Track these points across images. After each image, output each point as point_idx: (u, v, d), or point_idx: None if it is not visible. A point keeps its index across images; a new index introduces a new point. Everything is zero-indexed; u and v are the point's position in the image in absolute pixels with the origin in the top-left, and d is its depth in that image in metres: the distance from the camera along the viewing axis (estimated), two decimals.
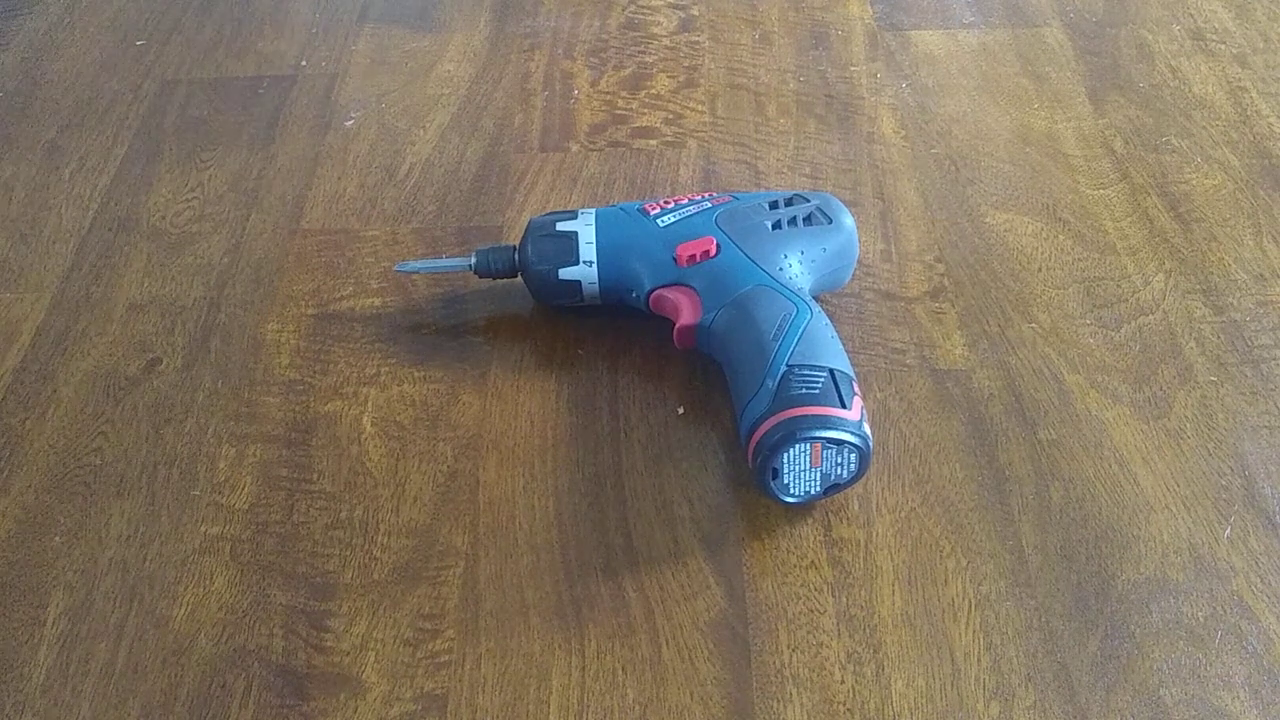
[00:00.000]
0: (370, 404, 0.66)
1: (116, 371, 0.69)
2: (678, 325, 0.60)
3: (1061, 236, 0.75)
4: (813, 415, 0.51)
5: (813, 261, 0.62)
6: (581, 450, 0.62)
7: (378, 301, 0.72)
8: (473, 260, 0.63)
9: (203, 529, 0.60)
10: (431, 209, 0.79)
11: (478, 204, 0.79)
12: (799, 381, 0.53)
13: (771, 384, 0.52)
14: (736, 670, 0.53)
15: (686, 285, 0.60)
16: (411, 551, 0.58)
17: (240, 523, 0.60)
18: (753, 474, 0.55)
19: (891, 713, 0.51)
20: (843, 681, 0.52)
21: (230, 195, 0.82)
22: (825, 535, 0.58)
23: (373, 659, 0.54)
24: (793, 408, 0.52)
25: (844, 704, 0.51)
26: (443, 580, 0.57)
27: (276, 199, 0.81)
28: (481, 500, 0.60)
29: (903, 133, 0.85)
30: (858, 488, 0.59)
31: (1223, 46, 0.92)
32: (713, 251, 0.59)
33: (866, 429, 0.53)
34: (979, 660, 0.52)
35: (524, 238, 0.64)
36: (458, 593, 0.56)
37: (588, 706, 0.51)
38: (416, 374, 0.67)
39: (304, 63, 0.95)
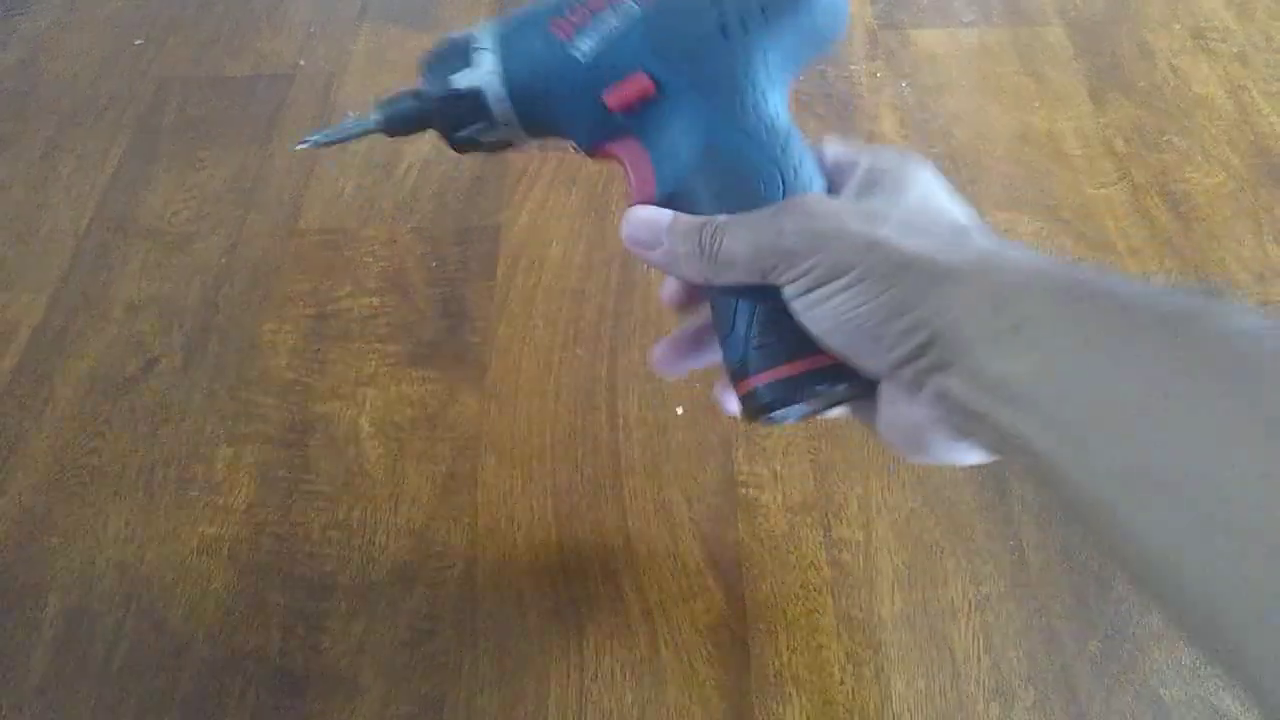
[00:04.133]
0: (368, 404, 0.66)
1: (114, 372, 0.68)
2: (629, 205, 0.43)
3: (1062, 236, 0.75)
4: (808, 373, 0.37)
5: (785, 64, 0.43)
6: (581, 450, 0.62)
7: (376, 301, 0.72)
8: (376, 116, 0.46)
9: (200, 529, 0.60)
10: (430, 208, 0.79)
11: (476, 203, 0.79)
12: (766, 330, 0.38)
13: (744, 324, 0.38)
14: (736, 671, 0.52)
15: (630, 136, 0.43)
16: (409, 552, 0.58)
17: (238, 523, 0.60)
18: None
19: (891, 714, 0.51)
20: (842, 683, 0.52)
21: (228, 195, 0.81)
22: (825, 536, 0.57)
23: (370, 660, 0.54)
24: (780, 364, 0.38)
25: (844, 705, 0.51)
26: (441, 581, 0.57)
27: (274, 198, 0.81)
28: (480, 500, 0.60)
29: (903, 132, 0.84)
30: (857, 488, 0.59)
31: (1223, 45, 0.92)
32: (650, 92, 0.41)
33: (843, 388, 0.39)
34: (979, 661, 0.52)
35: (421, 61, 0.45)
36: (456, 593, 0.56)
37: (586, 707, 0.51)
38: (414, 374, 0.67)
39: (302, 62, 0.95)
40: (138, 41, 0.98)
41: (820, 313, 0.32)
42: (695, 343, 0.41)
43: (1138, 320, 0.27)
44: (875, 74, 0.91)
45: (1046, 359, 0.28)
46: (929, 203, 0.34)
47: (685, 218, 0.36)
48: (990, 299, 0.29)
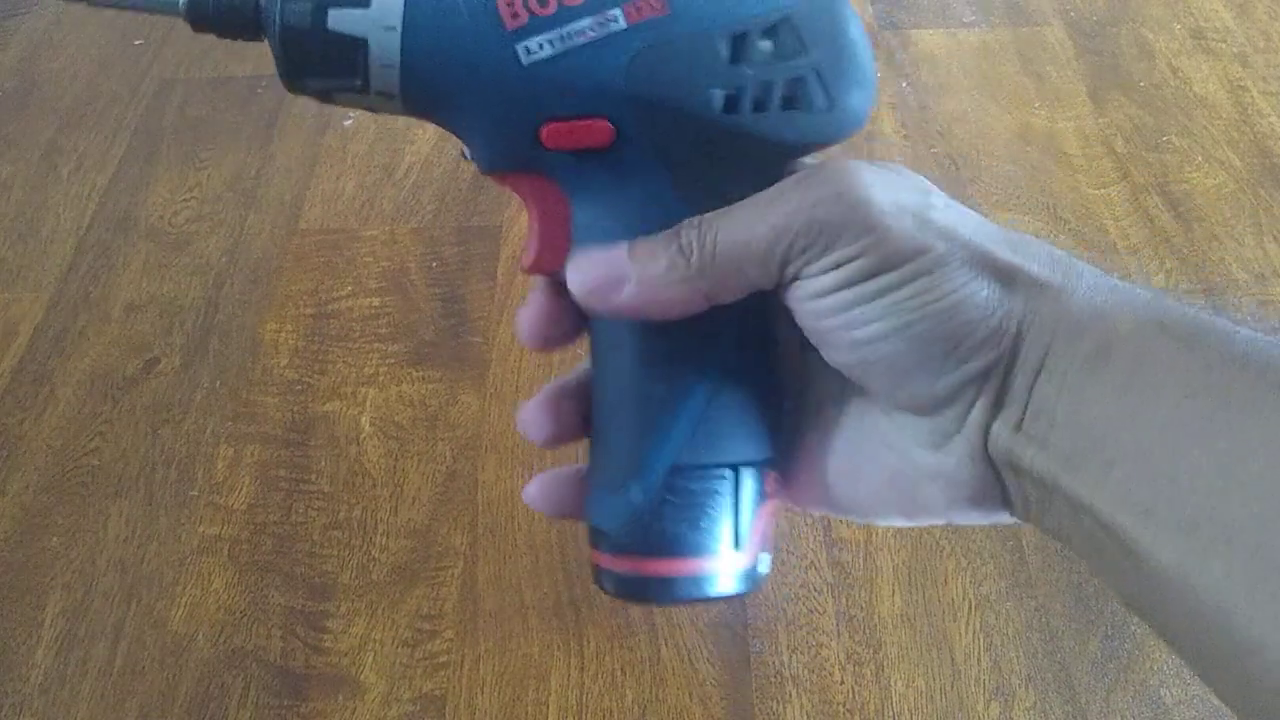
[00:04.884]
0: (369, 404, 0.66)
1: (114, 371, 0.69)
2: (524, 258, 0.32)
3: (1062, 236, 0.75)
4: (679, 578, 0.30)
5: (767, 163, 0.31)
6: (581, 450, 0.62)
7: (376, 301, 0.72)
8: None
9: (201, 529, 0.60)
10: (430, 208, 0.79)
11: (476, 203, 0.79)
12: (680, 500, 0.30)
13: (639, 496, 0.29)
14: (736, 671, 0.52)
15: (548, 179, 0.31)
16: (410, 552, 0.58)
17: (238, 523, 0.60)
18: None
19: (891, 713, 0.51)
20: (842, 682, 0.52)
21: (228, 195, 0.82)
22: (825, 536, 0.57)
23: (371, 660, 0.54)
24: (654, 557, 0.30)
25: (844, 705, 0.51)
26: (441, 581, 0.57)
27: (275, 198, 0.81)
28: (480, 500, 0.60)
29: (903, 131, 0.84)
30: None
31: (1223, 45, 0.92)
32: (605, 142, 0.29)
33: (761, 568, 0.31)
34: (979, 661, 0.52)
35: None
36: (456, 593, 0.56)
37: (586, 707, 0.51)
38: (415, 374, 0.67)
39: None
40: (138, 42, 0.98)
41: (869, 311, 0.24)
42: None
43: (1265, 376, 0.21)
44: (875, 74, 0.91)
45: (1144, 402, 0.21)
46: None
47: (644, 238, 0.27)
48: (1073, 317, 0.23)
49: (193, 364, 0.69)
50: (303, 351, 0.69)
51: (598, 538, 0.31)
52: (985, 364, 0.24)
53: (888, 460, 0.26)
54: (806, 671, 0.52)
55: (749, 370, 0.30)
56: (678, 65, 0.28)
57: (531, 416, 0.31)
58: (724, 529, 0.30)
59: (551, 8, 0.28)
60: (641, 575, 0.30)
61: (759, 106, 0.28)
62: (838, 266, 0.24)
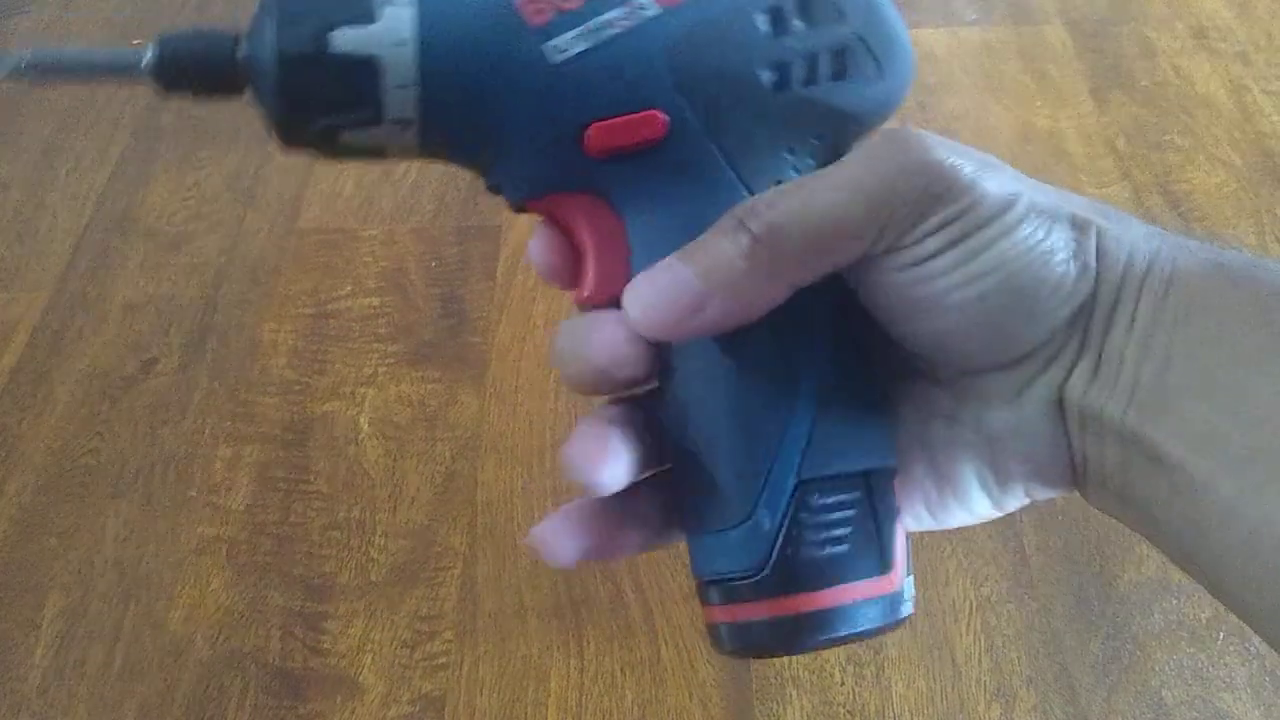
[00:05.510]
0: (368, 404, 0.65)
1: (113, 372, 0.68)
2: (580, 291, 0.28)
3: None
4: (833, 610, 0.25)
5: (827, 152, 0.28)
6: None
7: (376, 301, 0.72)
8: (149, 55, 0.28)
9: (199, 530, 0.59)
10: (430, 208, 0.79)
11: (476, 203, 0.79)
12: (817, 522, 0.25)
13: (768, 521, 0.25)
14: (736, 672, 0.52)
15: (595, 195, 0.27)
16: (409, 553, 0.58)
17: (237, 524, 0.60)
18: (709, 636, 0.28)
19: (892, 714, 0.50)
20: (842, 683, 0.52)
21: (227, 194, 0.81)
22: None
23: (370, 661, 0.53)
24: (800, 591, 0.25)
25: (844, 705, 0.51)
26: (441, 581, 0.57)
27: (273, 198, 0.81)
28: (480, 501, 0.60)
29: None
30: None
31: (1225, 44, 0.92)
32: (658, 136, 0.26)
33: (908, 593, 0.27)
34: (980, 662, 0.52)
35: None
36: (456, 594, 0.56)
37: (586, 708, 0.51)
38: (414, 374, 0.67)
39: None
40: (137, 41, 0.98)
41: (974, 267, 0.23)
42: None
43: None
44: None
45: (1206, 338, 0.22)
46: None
47: (694, 244, 0.24)
48: (1135, 262, 0.23)
49: (191, 364, 0.68)
50: (301, 352, 0.69)
51: (719, 589, 0.26)
52: (1072, 309, 0.23)
53: (961, 436, 0.25)
54: (806, 672, 0.52)
55: (850, 362, 0.26)
56: (720, 46, 0.26)
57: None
58: (869, 548, 0.26)
59: (577, 1, 0.25)
60: (790, 615, 0.26)
61: (809, 80, 0.26)
62: (941, 228, 0.23)
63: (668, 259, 0.24)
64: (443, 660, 0.53)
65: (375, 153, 0.27)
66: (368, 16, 0.25)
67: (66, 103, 0.91)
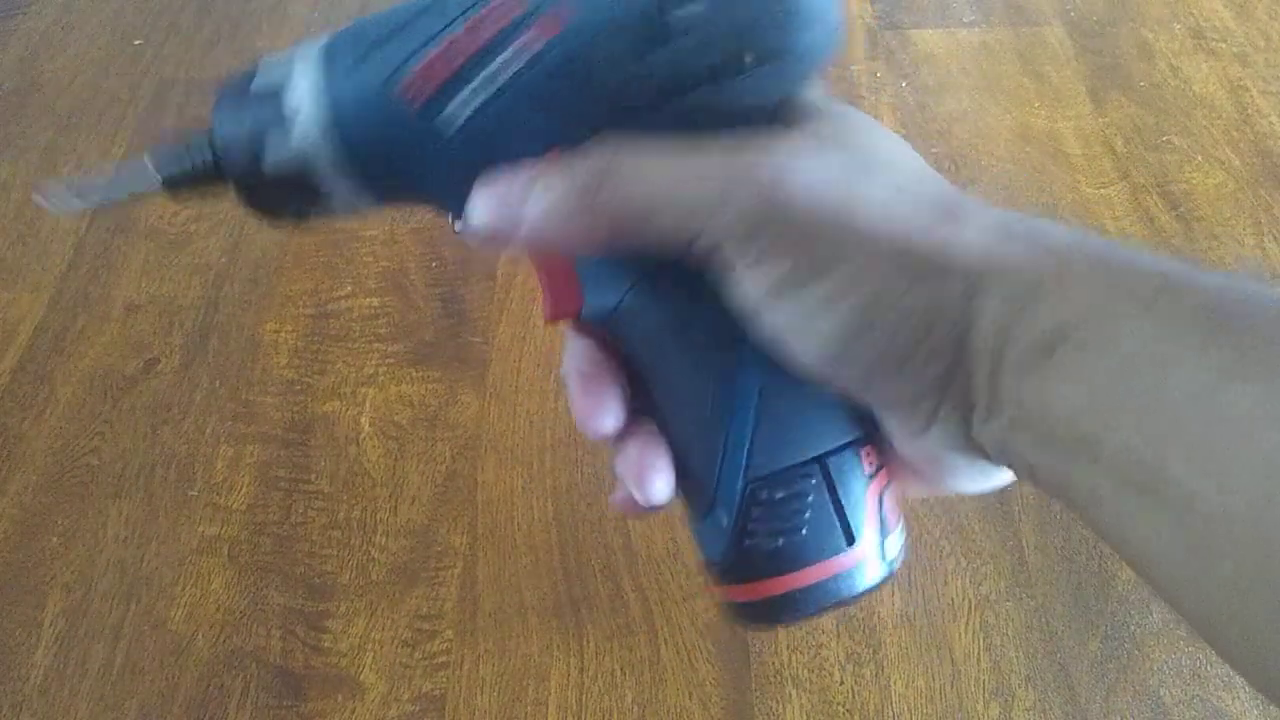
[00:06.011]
0: (368, 404, 0.66)
1: (114, 371, 0.68)
2: (544, 311, 0.30)
3: None
4: (801, 591, 0.27)
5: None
6: (580, 450, 0.62)
7: (376, 301, 0.72)
8: (155, 174, 0.30)
9: (200, 529, 0.60)
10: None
11: None
12: (771, 514, 0.27)
13: (725, 518, 0.28)
14: (735, 671, 0.52)
15: None
16: (409, 552, 0.58)
17: (238, 523, 0.60)
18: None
19: (891, 713, 0.51)
20: (842, 682, 0.52)
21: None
22: None
23: (371, 660, 0.54)
24: (765, 577, 0.28)
25: (843, 704, 0.51)
26: (441, 581, 0.57)
27: None
28: (480, 500, 0.60)
29: (903, 131, 0.84)
30: None
31: (1223, 45, 0.92)
32: None
33: (891, 550, 0.28)
34: (979, 661, 0.52)
35: (215, 106, 0.29)
36: (456, 593, 0.56)
37: (586, 707, 0.51)
38: (415, 374, 0.67)
39: None
40: (137, 42, 0.98)
41: (800, 323, 0.22)
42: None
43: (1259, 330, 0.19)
44: (875, 74, 0.91)
45: (1116, 375, 0.20)
46: (905, 163, 0.26)
47: (561, 159, 0.24)
48: (1021, 295, 0.21)
49: (192, 364, 0.69)
50: (302, 351, 0.69)
51: (706, 570, 0.29)
52: (939, 369, 0.22)
53: (911, 446, 0.25)
54: (806, 671, 0.52)
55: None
56: (605, 65, 0.25)
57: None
58: (831, 528, 0.27)
59: (457, 64, 0.25)
60: (761, 599, 0.28)
61: (699, 81, 0.25)
62: (769, 264, 0.22)
63: (531, 167, 0.25)
64: (443, 659, 0.53)
65: (348, 216, 0.29)
66: (280, 122, 0.27)
67: (68, 103, 0.91)
